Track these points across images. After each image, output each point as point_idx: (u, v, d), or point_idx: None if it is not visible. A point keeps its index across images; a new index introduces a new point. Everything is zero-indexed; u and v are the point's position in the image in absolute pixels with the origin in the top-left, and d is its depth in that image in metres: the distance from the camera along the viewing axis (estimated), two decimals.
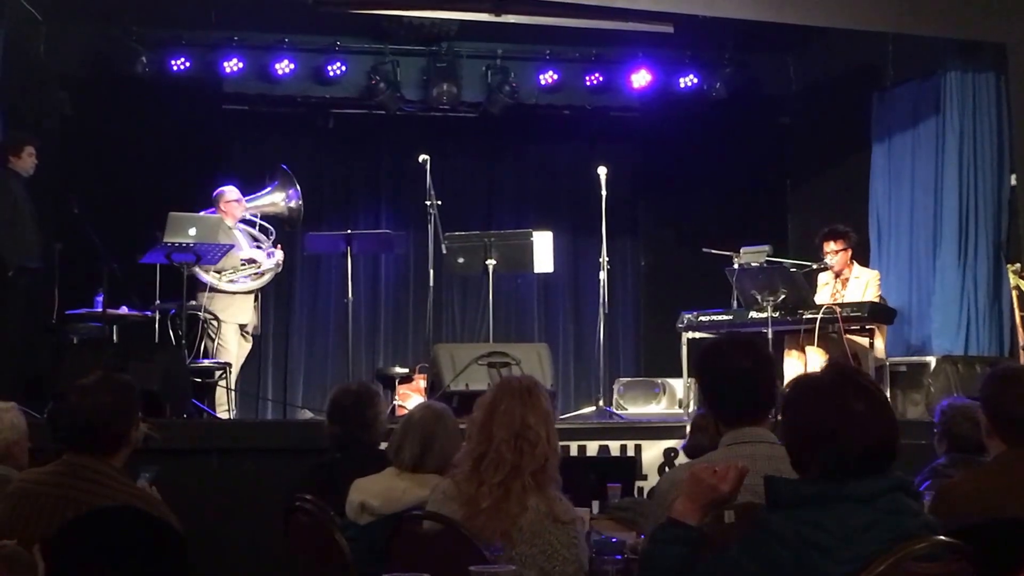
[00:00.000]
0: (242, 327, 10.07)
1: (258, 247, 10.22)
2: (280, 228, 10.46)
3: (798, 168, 12.79)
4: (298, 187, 10.44)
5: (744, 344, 3.87)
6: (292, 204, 10.47)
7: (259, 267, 10.08)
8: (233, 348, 9.95)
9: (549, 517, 3.86)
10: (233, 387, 9.76)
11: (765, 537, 2.95)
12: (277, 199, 10.50)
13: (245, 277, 10.04)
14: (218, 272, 9.85)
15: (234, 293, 10.00)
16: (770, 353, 3.83)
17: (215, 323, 9.81)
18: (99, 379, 4.35)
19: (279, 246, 10.27)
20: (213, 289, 9.87)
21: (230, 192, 10.17)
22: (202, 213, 9.76)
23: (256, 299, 10.23)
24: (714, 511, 3.19)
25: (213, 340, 9.81)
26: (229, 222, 10.02)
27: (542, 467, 3.93)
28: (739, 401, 3.73)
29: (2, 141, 9.42)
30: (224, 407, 9.63)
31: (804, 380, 3.23)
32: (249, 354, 10.41)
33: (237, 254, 9.96)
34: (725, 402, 3.78)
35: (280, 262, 10.26)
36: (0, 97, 9.56)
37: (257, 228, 10.33)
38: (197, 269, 9.59)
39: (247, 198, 10.32)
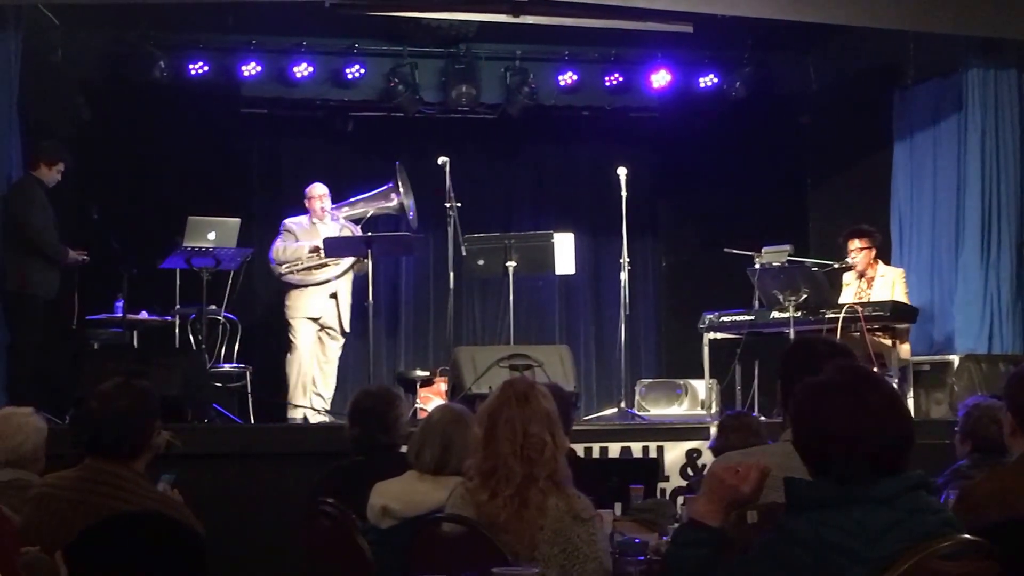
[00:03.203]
0: (316, 320, 10.08)
1: None
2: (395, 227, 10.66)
3: (819, 167, 12.72)
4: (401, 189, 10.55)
5: (836, 347, 3.88)
6: (398, 203, 10.61)
7: (321, 257, 10.06)
8: (306, 344, 9.99)
9: (570, 515, 3.85)
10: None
11: (784, 540, 2.91)
12: (387, 199, 10.57)
13: (313, 268, 10.06)
14: (285, 265, 9.91)
15: (304, 287, 10.03)
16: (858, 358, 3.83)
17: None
18: (118, 384, 4.36)
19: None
20: (292, 286, 9.97)
21: (313, 189, 10.32)
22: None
23: (334, 296, 10.20)
24: (736, 511, 3.15)
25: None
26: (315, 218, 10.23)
27: (554, 469, 3.91)
28: None
29: (39, 148, 9.35)
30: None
31: (815, 381, 3.09)
32: (267, 358, 10.41)
33: (305, 246, 10.02)
34: None
35: (352, 267, 10.27)
36: (18, 103, 9.55)
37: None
38: (282, 269, 9.90)
39: (362, 196, 10.57)
